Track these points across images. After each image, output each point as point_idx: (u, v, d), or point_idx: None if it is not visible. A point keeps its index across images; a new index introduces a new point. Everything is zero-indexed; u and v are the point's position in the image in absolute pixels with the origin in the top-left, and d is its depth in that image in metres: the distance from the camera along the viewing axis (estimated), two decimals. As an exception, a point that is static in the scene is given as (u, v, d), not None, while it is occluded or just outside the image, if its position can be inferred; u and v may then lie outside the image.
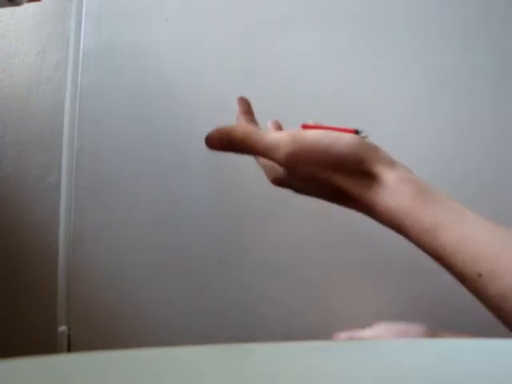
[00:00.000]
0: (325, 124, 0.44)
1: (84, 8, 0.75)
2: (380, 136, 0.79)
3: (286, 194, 0.75)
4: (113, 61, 0.76)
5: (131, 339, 0.75)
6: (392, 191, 0.33)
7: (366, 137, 0.39)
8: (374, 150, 0.36)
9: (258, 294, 0.74)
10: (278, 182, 0.40)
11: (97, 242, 0.75)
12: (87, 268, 0.75)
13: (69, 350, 0.75)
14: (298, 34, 0.76)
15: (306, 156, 0.35)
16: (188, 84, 0.76)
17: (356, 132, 0.40)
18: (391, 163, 0.35)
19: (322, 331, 0.73)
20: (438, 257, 0.31)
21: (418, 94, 0.76)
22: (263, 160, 0.40)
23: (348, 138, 0.36)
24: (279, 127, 0.46)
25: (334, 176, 0.35)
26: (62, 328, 0.75)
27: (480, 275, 0.29)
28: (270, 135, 0.37)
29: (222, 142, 0.39)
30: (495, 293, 0.28)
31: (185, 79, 0.76)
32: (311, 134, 0.36)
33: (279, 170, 0.38)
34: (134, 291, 0.75)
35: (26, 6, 0.69)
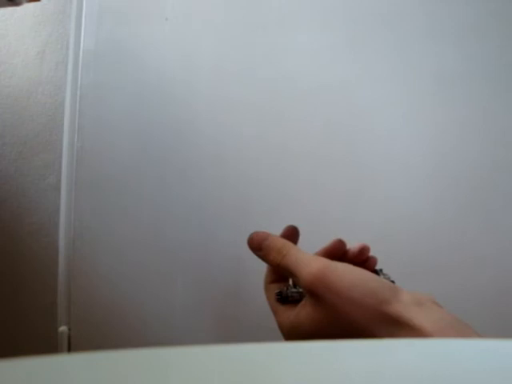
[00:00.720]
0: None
1: (84, 8, 0.75)
2: (380, 135, 0.79)
3: (287, 196, 0.74)
4: (113, 61, 0.76)
5: (131, 339, 0.75)
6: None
7: (387, 276, 0.39)
8: (396, 291, 0.33)
9: (258, 294, 0.74)
10: (297, 338, 0.37)
11: (97, 242, 0.75)
12: (87, 268, 0.75)
13: (69, 350, 0.75)
14: (298, 34, 0.76)
15: (332, 281, 0.33)
16: (188, 84, 0.76)
17: (377, 272, 0.40)
18: (418, 304, 0.32)
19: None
20: None
21: (419, 93, 0.76)
22: (285, 316, 0.38)
23: (369, 276, 0.34)
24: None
25: (357, 316, 0.32)
26: (63, 328, 0.75)
27: None
28: (305, 253, 0.37)
29: (263, 244, 0.39)
30: None
31: (185, 79, 0.76)
32: (342, 265, 0.35)
33: (301, 325, 0.36)
34: (134, 291, 0.75)
35: (25, 6, 0.69)
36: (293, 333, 0.37)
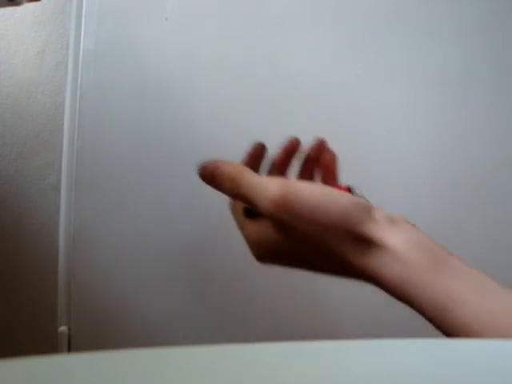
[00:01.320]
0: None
1: (84, 8, 0.75)
2: (380, 136, 0.79)
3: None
4: (113, 61, 0.76)
5: (131, 339, 0.75)
6: (397, 259, 0.29)
7: (359, 195, 0.36)
8: (369, 210, 0.31)
9: (258, 293, 0.74)
10: (266, 255, 0.36)
11: (97, 242, 0.75)
12: (87, 268, 0.75)
13: (69, 350, 0.75)
14: (298, 34, 0.76)
15: (293, 206, 0.31)
16: (188, 83, 0.76)
17: (349, 189, 0.37)
18: (390, 223, 0.31)
19: (325, 332, 0.73)
20: (459, 335, 0.27)
21: (419, 93, 0.76)
22: (249, 231, 0.36)
23: (341, 196, 0.31)
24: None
25: (325, 236, 0.31)
26: (63, 328, 0.75)
27: None
28: (260, 177, 0.34)
29: (214, 175, 0.36)
30: None
31: (185, 79, 0.76)
32: (304, 185, 0.32)
33: (266, 241, 0.34)
34: (134, 291, 0.75)
35: (25, 6, 0.69)
36: (261, 246, 0.35)
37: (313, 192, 0.31)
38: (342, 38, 0.76)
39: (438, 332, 0.29)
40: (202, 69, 0.76)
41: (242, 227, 0.38)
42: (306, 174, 0.41)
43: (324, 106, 0.75)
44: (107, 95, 0.75)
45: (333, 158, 0.41)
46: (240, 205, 0.37)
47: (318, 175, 0.41)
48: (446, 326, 0.27)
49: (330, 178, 0.40)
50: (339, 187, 0.37)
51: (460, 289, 0.27)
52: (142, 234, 0.75)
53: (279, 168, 0.41)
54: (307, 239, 0.31)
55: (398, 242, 0.29)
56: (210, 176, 0.36)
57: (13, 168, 0.77)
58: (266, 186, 0.32)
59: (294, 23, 0.76)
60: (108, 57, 0.76)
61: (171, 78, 0.76)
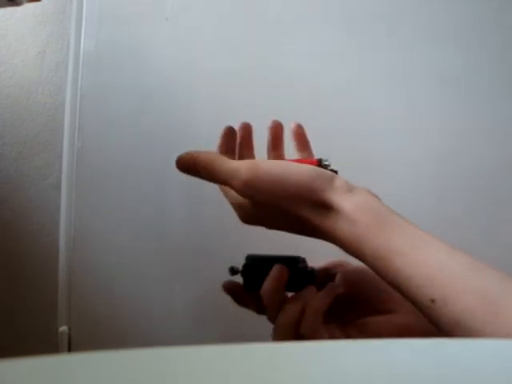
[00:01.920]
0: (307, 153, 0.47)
1: (84, 8, 0.75)
2: (381, 135, 0.79)
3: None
4: (113, 61, 0.76)
5: (131, 339, 0.75)
6: (347, 219, 0.33)
7: (328, 165, 0.40)
8: (330, 179, 0.36)
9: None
10: (248, 219, 0.41)
11: (97, 242, 0.75)
12: (88, 268, 0.75)
13: (69, 350, 0.75)
14: (298, 34, 0.76)
15: (261, 185, 0.35)
16: (189, 84, 0.76)
17: (319, 161, 0.41)
18: (348, 190, 0.35)
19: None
20: (393, 283, 0.31)
21: (420, 93, 0.76)
22: (232, 197, 0.40)
23: (304, 169, 0.36)
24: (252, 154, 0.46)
25: (291, 206, 0.35)
26: (63, 328, 0.75)
27: (433, 301, 0.28)
28: (231, 162, 0.38)
29: (189, 165, 0.40)
30: (448, 319, 0.28)
31: (185, 79, 0.76)
32: (268, 164, 0.37)
33: (247, 206, 0.39)
34: (135, 291, 0.75)
35: (26, 6, 0.69)
36: (243, 210, 0.40)
37: (275, 169, 0.36)
38: (343, 38, 0.76)
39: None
40: (202, 69, 0.76)
41: (225, 193, 0.43)
42: (275, 152, 0.47)
43: (325, 107, 0.75)
44: (107, 95, 0.75)
45: (304, 140, 0.47)
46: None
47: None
48: (385, 275, 0.32)
49: (301, 150, 0.47)
50: (309, 160, 0.41)
51: (396, 240, 0.32)
52: (143, 234, 0.75)
53: (272, 150, 0.47)
54: (277, 209, 0.36)
55: (349, 205, 0.34)
56: (186, 166, 0.41)
57: (13, 168, 0.77)
58: (237, 170, 0.36)
59: (295, 24, 0.76)
60: (108, 57, 0.76)
61: (171, 78, 0.76)
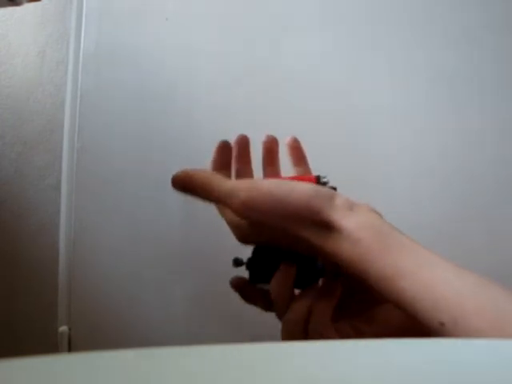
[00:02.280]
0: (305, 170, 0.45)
1: (84, 8, 0.76)
2: (381, 136, 0.79)
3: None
4: (113, 61, 0.76)
5: (131, 339, 0.75)
6: (350, 239, 0.32)
7: (326, 182, 0.39)
8: (330, 197, 0.34)
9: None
10: (246, 239, 0.40)
11: (97, 243, 0.75)
12: (88, 268, 0.75)
13: (69, 350, 0.75)
14: (298, 34, 0.76)
15: (259, 205, 0.34)
16: (189, 84, 0.76)
17: (317, 179, 0.40)
18: (349, 208, 0.34)
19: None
20: (399, 304, 0.30)
21: (420, 93, 0.76)
22: (229, 217, 0.40)
23: (302, 188, 0.35)
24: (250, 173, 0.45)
25: (291, 227, 0.34)
26: (63, 328, 0.75)
27: (442, 324, 0.27)
28: (228, 182, 0.37)
29: (185, 183, 0.39)
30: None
31: (185, 79, 0.76)
32: (267, 183, 0.36)
33: (245, 227, 0.38)
34: (135, 291, 0.75)
35: (26, 6, 0.69)
36: (240, 230, 0.39)
37: (274, 188, 0.35)
38: (343, 38, 0.76)
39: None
40: (202, 69, 0.76)
41: (222, 213, 0.42)
42: (270, 167, 0.45)
43: (325, 107, 0.75)
44: (107, 95, 0.75)
45: (302, 156, 0.45)
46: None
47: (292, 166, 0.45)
48: (390, 296, 0.31)
49: (298, 165, 0.45)
50: (308, 178, 0.40)
51: (400, 261, 0.31)
52: (142, 235, 0.75)
53: (266, 165, 0.45)
54: (276, 229, 0.35)
55: (351, 224, 0.32)
56: (182, 184, 0.39)
57: (13, 168, 0.77)
58: (234, 190, 0.35)
59: (295, 23, 0.76)
60: (108, 57, 0.76)
61: (171, 78, 0.76)
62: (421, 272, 0.30)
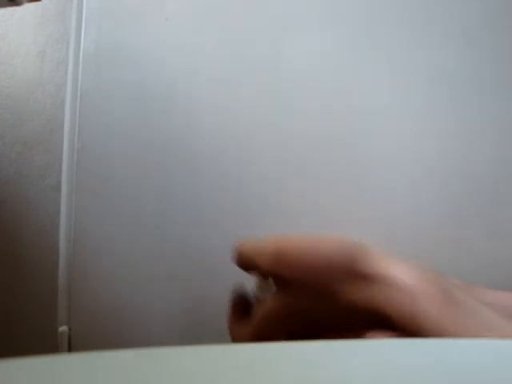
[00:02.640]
0: None
1: (84, 8, 0.75)
2: (381, 136, 0.79)
3: (287, 199, 0.74)
4: (113, 61, 0.76)
5: (131, 339, 0.75)
6: (403, 291, 0.28)
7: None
8: (364, 246, 0.31)
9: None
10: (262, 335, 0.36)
11: (97, 243, 0.75)
12: (88, 268, 0.75)
13: (69, 350, 0.75)
14: (299, 35, 0.76)
15: (290, 256, 0.32)
16: (189, 84, 0.76)
17: None
18: (390, 257, 0.31)
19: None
20: None
21: (420, 93, 0.76)
22: (242, 331, 0.39)
23: (333, 239, 0.32)
24: None
25: (325, 279, 0.30)
26: (63, 328, 0.75)
27: None
28: (256, 240, 0.37)
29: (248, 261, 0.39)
30: None
31: (186, 79, 0.76)
32: (294, 236, 0.34)
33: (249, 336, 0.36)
34: (135, 292, 0.75)
35: (26, 6, 0.69)
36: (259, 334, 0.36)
37: (304, 240, 0.33)
38: (343, 38, 0.76)
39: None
40: (202, 69, 0.76)
41: (234, 335, 0.41)
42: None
43: (326, 108, 0.75)
44: (108, 96, 0.75)
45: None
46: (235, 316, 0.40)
47: None
48: None
49: None
50: None
51: (465, 321, 0.27)
52: (143, 236, 0.75)
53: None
54: (309, 288, 0.31)
55: (404, 277, 0.29)
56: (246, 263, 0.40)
57: (12, 168, 0.77)
58: (263, 247, 0.35)
59: (296, 23, 0.76)
60: (108, 57, 0.76)
61: (171, 78, 0.76)
62: (486, 336, 0.27)
